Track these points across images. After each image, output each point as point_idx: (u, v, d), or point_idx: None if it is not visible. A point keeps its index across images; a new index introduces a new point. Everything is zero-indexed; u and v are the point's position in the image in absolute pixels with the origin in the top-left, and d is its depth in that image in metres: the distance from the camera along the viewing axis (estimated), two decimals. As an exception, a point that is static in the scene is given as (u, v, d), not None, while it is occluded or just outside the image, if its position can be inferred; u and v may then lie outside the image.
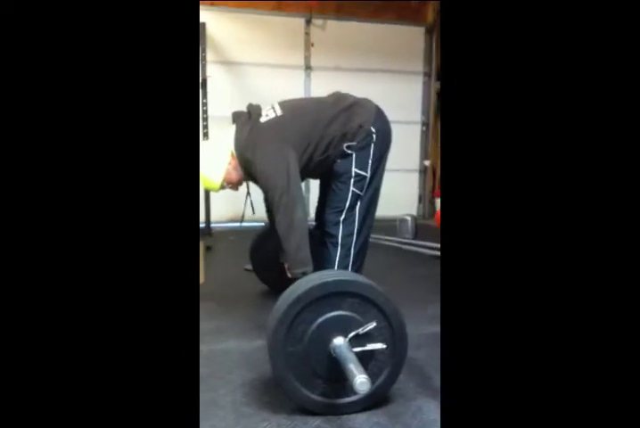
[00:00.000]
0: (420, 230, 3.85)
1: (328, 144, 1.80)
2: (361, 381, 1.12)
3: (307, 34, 4.29)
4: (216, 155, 1.84)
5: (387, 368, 1.32)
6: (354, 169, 1.80)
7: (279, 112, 1.83)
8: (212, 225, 3.73)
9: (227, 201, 4.15)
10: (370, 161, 1.81)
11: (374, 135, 1.80)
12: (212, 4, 3.92)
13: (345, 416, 1.31)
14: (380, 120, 1.85)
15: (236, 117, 1.91)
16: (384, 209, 2.26)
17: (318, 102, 1.90)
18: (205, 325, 1.93)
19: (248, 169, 1.84)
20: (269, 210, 2.10)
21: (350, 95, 1.90)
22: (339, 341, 1.26)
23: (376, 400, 1.34)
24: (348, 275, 1.33)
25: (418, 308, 2.16)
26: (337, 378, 1.25)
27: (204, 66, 3.53)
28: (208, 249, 3.32)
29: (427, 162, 4.85)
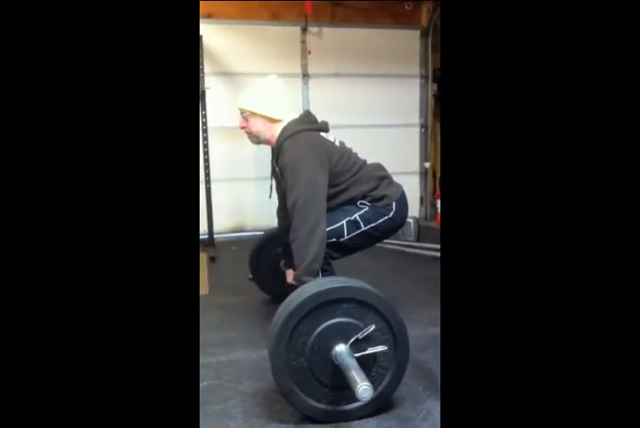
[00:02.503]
0: (422, 232, 3.86)
1: (348, 200, 1.83)
2: (363, 388, 1.13)
3: (303, 42, 4.31)
4: (270, 106, 1.85)
5: (391, 369, 1.33)
6: (357, 214, 1.81)
7: (337, 144, 1.90)
8: (215, 235, 3.75)
9: (229, 211, 4.19)
10: (372, 224, 1.82)
11: (392, 212, 1.84)
12: (209, 17, 3.96)
13: (355, 422, 1.32)
14: (402, 202, 1.89)
15: (306, 113, 1.93)
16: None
17: (364, 161, 1.95)
18: (212, 337, 1.94)
19: (276, 155, 1.88)
20: (283, 210, 2.08)
21: (386, 170, 1.96)
22: (340, 348, 1.27)
23: (384, 401, 1.35)
24: (341, 281, 1.33)
25: (423, 309, 2.17)
26: (343, 385, 1.26)
27: (202, 78, 3.55)
28: (211, 259, 3.33)
29: (427, 164, 4.85)
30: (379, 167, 1.96)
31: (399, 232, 3.82)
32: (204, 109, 3.56)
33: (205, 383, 1.55)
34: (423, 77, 4.76)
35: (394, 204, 1.84)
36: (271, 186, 2.07)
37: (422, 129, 4.84)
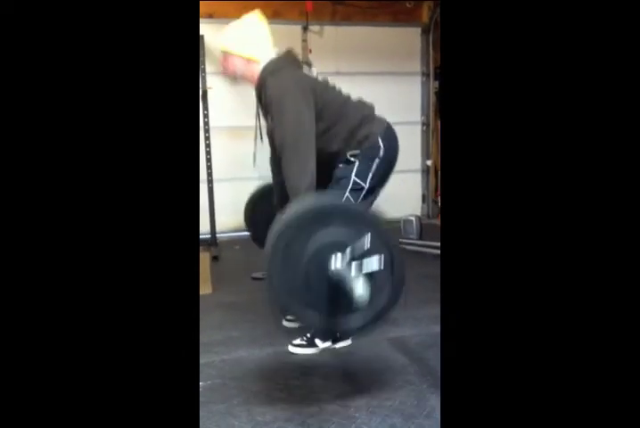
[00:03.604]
0: (424, 230, 3.86)
1: (336, 151, 1.82)
2: (359, 293, 1.18)
3: (304, 41, 4.31)
4: (247, 46, 1.84)
5: (387, 286, 1.33)
6: (353, 177, 1.81)
7: (320, 79, 1.90)
8: (217, 235, 3.75)
9: (231, 211, 4.19)
10: (371, 174, 1.82)
11: (381, 151, 1.82)
12: (209, 17, 3.96)
13: (360, 420, 1.33)
14: (389, 137, 1.87)
15: (287, 51, 1.91)
16: (388, 210, 2.26)
17: (348, 97, 1.92)
18: (215, 336, 1.95)
19: (258, 93, 1.87)
20: (276, 163, 2.02)
21: (371, 106, 1.93)
22: (336, 256, 1.26)
23: (380, 320, 1.35)
24: (337, 199, 1.36)
25: (424, 307, 2.18)
26: (342, 294, 1.25)
27: (204, 78, 3.56)
28: (214, 259, 3.33)
29: (429, 162, 4.85)
30: (362, 102, 1.92)
31: (401, 231, 3.84)
32: (206, 109, 3.56)
33: (209, 382, 1.55)
34: (425, 74, 4.75)
35: (380, 141, 1.82)
36: (260, 131, 2.04)
37: (424, 127, 4.84)
